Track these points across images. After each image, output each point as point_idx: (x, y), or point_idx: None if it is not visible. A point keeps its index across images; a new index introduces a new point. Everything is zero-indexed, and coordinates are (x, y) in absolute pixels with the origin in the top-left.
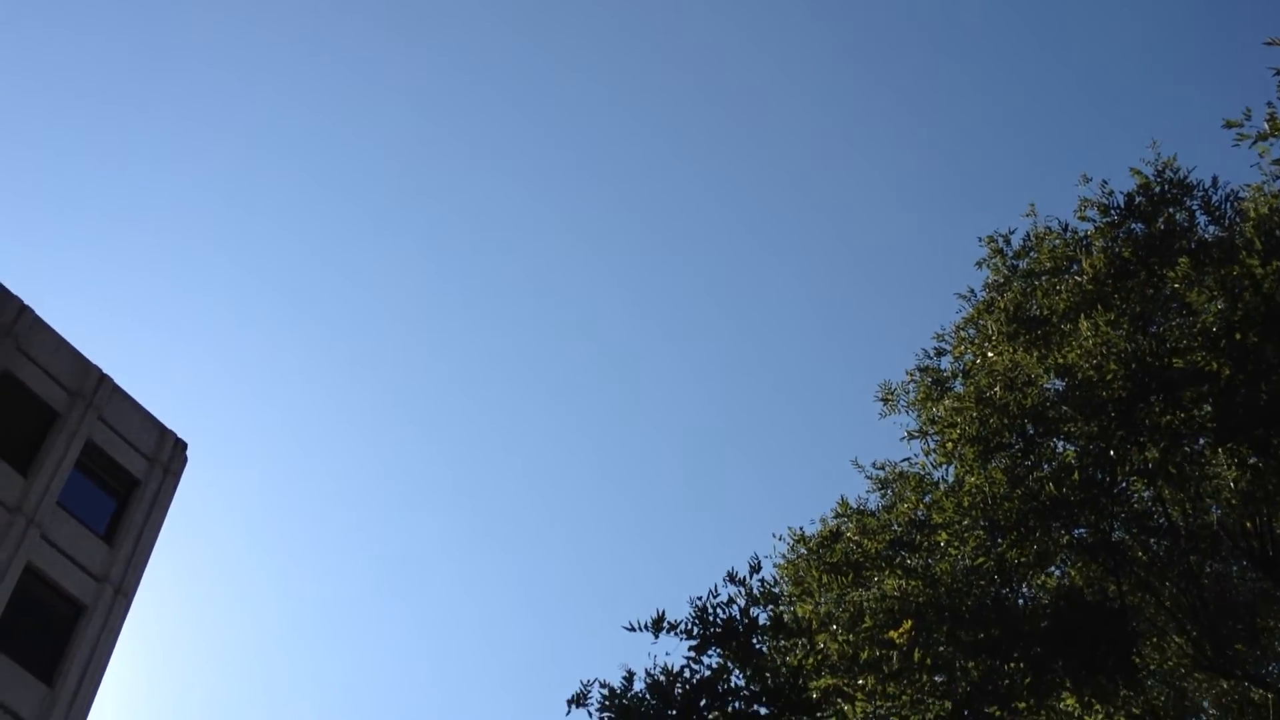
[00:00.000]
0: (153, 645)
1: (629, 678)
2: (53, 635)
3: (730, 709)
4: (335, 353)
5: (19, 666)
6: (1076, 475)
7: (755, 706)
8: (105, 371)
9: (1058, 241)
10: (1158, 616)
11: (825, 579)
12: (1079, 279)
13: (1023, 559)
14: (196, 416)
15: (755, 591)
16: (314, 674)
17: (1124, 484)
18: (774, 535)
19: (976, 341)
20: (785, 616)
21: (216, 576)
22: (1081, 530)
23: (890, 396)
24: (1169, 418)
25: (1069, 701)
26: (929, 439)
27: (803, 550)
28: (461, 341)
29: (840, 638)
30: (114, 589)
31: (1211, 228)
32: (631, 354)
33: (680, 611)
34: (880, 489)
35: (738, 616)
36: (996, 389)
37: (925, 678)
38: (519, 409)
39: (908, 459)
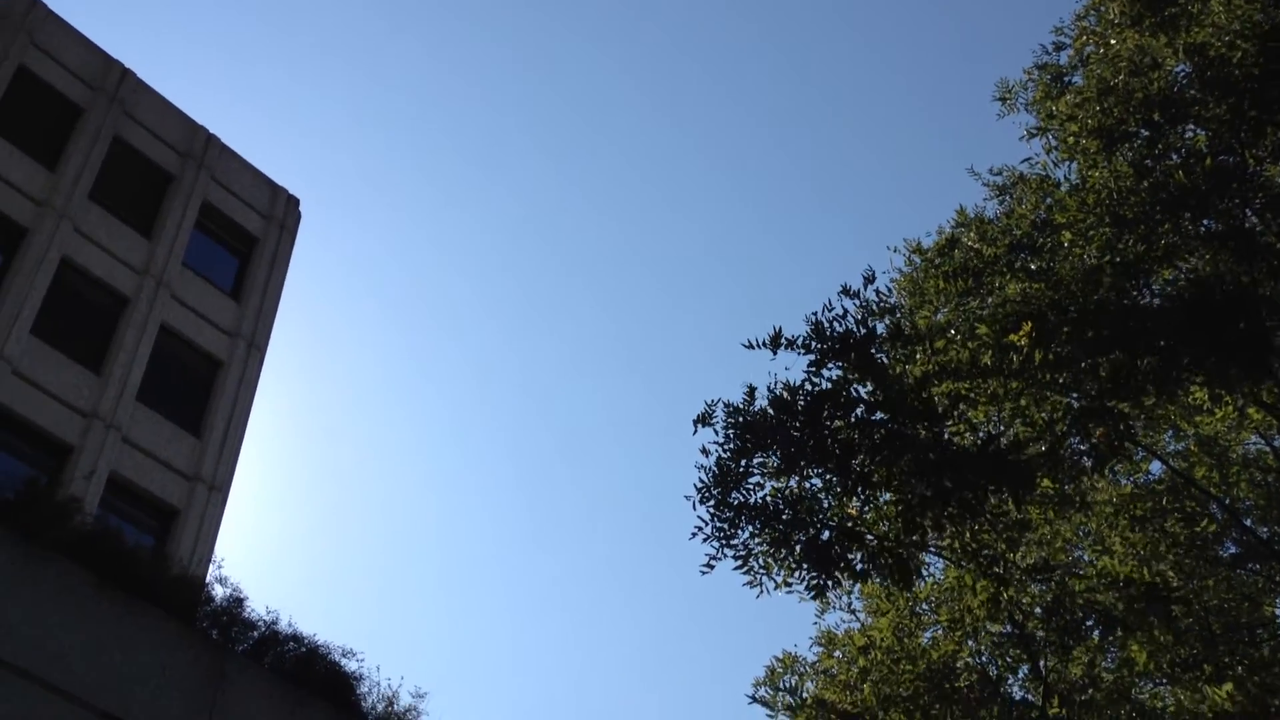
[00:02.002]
0: (286, 397)
1: (750, 393)
2: (195, 391)
3: (853, 418)
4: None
5: (169, 421)
6: (1207, 161)
7: (877, 414)
8: (211, 131)
9: None
10: None
11: (944, 286)
12: None
13: (1151, 254)
14: (303, 174)
15: (871, 304)
16: (435, 410)
17: (1257, 167)
18: (889, 249)
19: (1098, 30)
20: (904, 327)
21: (338, 330)
22: (1211, 221)
23: (1008, 95)
24: None
25: (1198, 394)
26: (1049, 136)
27: (919, 261)
28: (589, 93)
29: (959, 344)
30: (247, 343)
31: None
32: (746, 67)
33: (798, 331)
34: (998, 195)
35: (854, 328)
36: (1120, 77)
37: (1047, 376)
38: (646, 148)
39: (1027, 159)
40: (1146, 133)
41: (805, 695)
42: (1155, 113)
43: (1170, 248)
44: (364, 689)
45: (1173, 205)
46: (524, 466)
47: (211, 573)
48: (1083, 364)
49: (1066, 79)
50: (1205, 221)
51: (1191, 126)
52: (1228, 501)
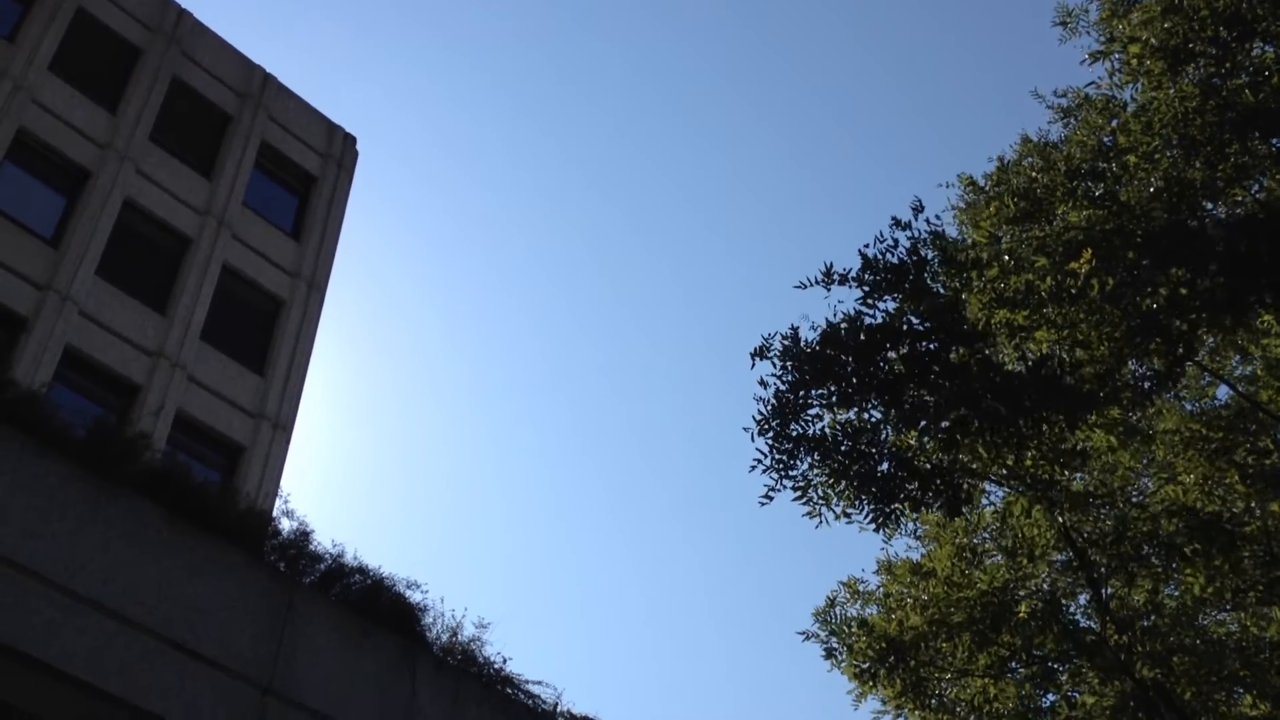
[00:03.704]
0: (347, 337)
1: (795, 329)
2: (258, 330)
3: (904, 348)
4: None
5: (232, 360)
6: (1276, 79)
7: (930, 343)
8: (268, 71)
9: None
10: None
11: (997, 211)
12: None
13: (1219, 174)
14: (356, 118)
15: (920, 235)
16: (491, 348)
17: None
18: (942, 185)
19: None
20: (959, 256)
21: (396, 271)
22: None
23: (1069, 19)
24: None
25: (1266, 317)
26: (1112, 58)
27: (975, 195)
28: (647, 33)
29: (1019, 272)
30: (307, 283)
31: None
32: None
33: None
34: (1063, 118)
35: (905, 257)
36: None
37: (1109, 308)
38: (696, 95)
39: (1093, 83)
40: (1213, 51)
41: (853, 625)
42: (1222, 30)
43: (1239, 168)
44: (429, 620)
45: (1241, 125)
46: (581, 404)
47: (278, 507)
48: (1142, 283)
49: None
50: (1275, 140)
51: (1259, 43)
52: None
